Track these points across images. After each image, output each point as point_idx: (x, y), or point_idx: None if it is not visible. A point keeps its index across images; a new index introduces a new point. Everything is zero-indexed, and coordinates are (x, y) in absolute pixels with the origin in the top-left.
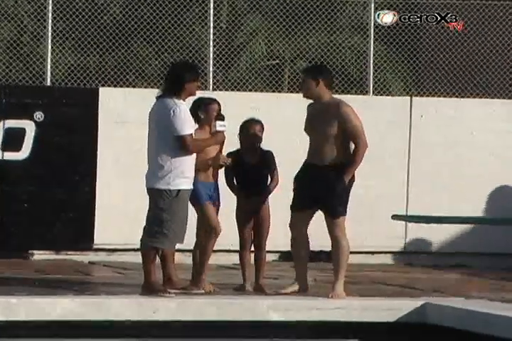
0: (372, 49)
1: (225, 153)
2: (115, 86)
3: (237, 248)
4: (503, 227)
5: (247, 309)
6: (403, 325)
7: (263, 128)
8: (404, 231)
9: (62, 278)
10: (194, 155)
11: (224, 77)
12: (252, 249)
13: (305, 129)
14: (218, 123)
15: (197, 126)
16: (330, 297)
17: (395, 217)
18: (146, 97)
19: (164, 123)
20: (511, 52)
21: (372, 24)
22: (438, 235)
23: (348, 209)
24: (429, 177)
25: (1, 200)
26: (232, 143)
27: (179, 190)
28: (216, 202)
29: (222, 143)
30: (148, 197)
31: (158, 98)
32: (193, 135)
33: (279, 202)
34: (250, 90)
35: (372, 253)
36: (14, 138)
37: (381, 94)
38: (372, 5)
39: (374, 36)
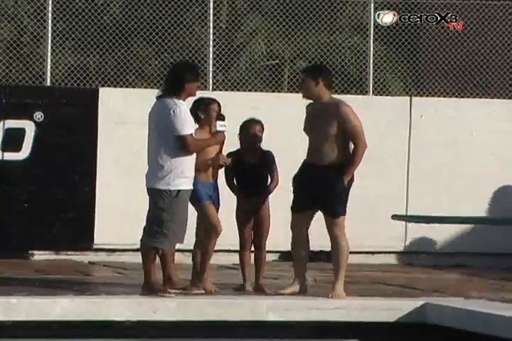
0: (371, 49)
1: (225, 153)
2: (115, 86)
3: (237, 248)
4: (503, 227)
5: (247, 309)
6: (403, 325)
7: (263, 128)
8: (404, 231)
9: (62, 278)
10: (194, 155)
11: (224, 77)
12: (252, 249)
13: (304, 129)
14: (219, 123)
15: (197, 126)
16: (330, 297)
17: (394, 217)
18: (146, 97)
19: (164, 123)
20: (511, 52)
21: (371, 24)
22: (438, 235)
23: (348, 209)
24: (429, 177)
25: (1, 200)
26: (232, 143)
27: (179, 190)
28: (216, 202)
29: (222, 143)
30: (148, 197)
31: (158, 98)
32: (193, 135)
33: (279, 202)
34: (250, 90)
35: (372, 253)
36: (14, 139)
37: (381, 94)
38: (372, 5)
39: (374, 36)
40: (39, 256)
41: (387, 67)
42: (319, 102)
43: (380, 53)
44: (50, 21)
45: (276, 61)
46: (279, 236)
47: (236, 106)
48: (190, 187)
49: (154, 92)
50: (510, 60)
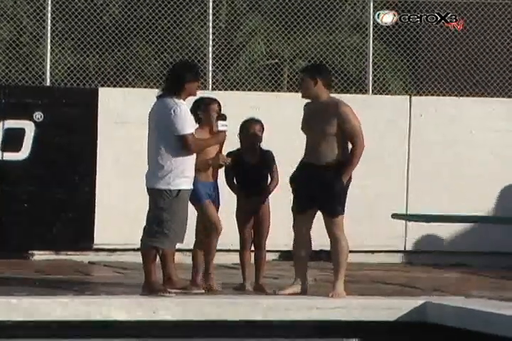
0: (371, 48)
1: (224, 152)
2: (115, 86)
3: (237, 247)
4: (502, 226)
5: (248, 308)
6: (403, 324)
7: (263, 128)
8: (404, 230)
9: (63, 278)
10: (194, 154)
11: (223, 76)
12: (252, 248)
13: (302, 128)
14: (220, 122)
15: (197, 125)
16: (330, 296)
17: (394, 215)
18: (146, 97)
19: (165, 123)
20: (510, 51)
21: (371, 23)
22: (438, 234)
23: (348, 208)
24: (429, 177)
25: (1, 200)
26: (232, 143)
27: (179, 190)
28: (216, 201)
29: (222, 143)
30: (148, 196)
31: (158, 98)
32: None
33: (279, 201)
34: (250, 90)
35: (373, 252)
36: (14, 139)
37: (380, 93)
38: (371, 4)
39: (373, 35)
40: (39, 256)
41: (386, 66)
42: (318, 102)
43: (380, 52)
44: (49, 21)
45: (276, 60)
46: (279, 236)
47: (236, 106)
48: (191, 186)
49: (154, 92)
50: (510, 59)
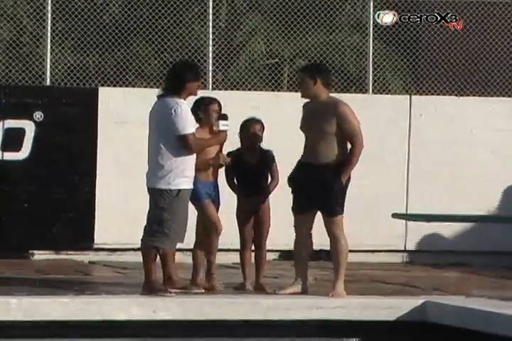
0: (371, 47)
1: (225, 152)
2: (115, 86)
3: (238, 247)
4: (503, 225)
5: (248, 308)
6: (403, 324)
7: (263, 128)
8: (404, 230)
9: (63, 278)
10: (194, 154)
11: (223, 76)
12: (253, 248)
13: (301, 128)
14: (221, 122)
15: (198, 125)
16: (330, 296)
17: (395, 215)
18: (146, 97)
19: (165, 122)
20: (510, 50)
21: (371, 23)
22: (438, 233)
23: (349, 207)
24: (429, 176)
25: (1, 200)
26: (232, 143)
27: (180, 190)
28: (216, 200)
29: (222, 143)
30: (148, 196)
31: (159, 97)
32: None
33: (279, 201)
34: (250, 89)
35: (373, 251)
36: (14, 138)
37: (380, 93)
38: (371, 3)
39: (373, 35)
40: (39, 256)
41: (386, 66)
42: (317, 101)
43: (380, 52)
44: (49, 21)
45: (276, 60)
46: (279, 236)
47: (236, 106)
48: (191, 186)
49: (154, 92)
50: (510, 58)
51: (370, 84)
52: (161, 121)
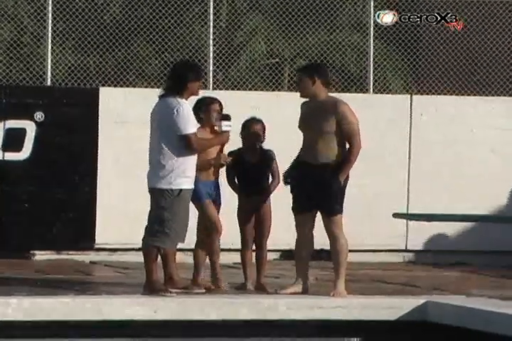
0: (372, 47)
1: (225, 151)
2: (115, 86)
3: (238, 247)
4: (503, 225)
5: (249, 308)
6: (404, 323)
7: (264, 128)
8: (405, 230)
9: (63, 278)
10: (196, 154)
11: (224, 76)
12: (253, 248)
13: (299, 127)
14: (224, 123)
15: (199, 125)
16: (331, 295)
17: (395, 215)
18: (147, 97)
19: (167, 122)
20: (511, 49)
21: (371, 22)
22: (438, 233)
23: (349, 207)
24: (430, 176)
25: (1, 200)
26: (232, 142)
27: (181, 190)
28: (217, 200)
29: (224, 143)
30: (148, 196)
31: (160, 97)
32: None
33: (280, 201)
34: (250, 89)
35: (373, 251)
36: (15, 139)
37: (381, 93)
38: (372, 3)
39: (374, 34)
40: (40, 256)
41: (387, 65)
42: (316, 100)
43: (380, 51)
44: (50, 21)
45: (277, 60)
46: (280, 235)
47: (236, 105)
48: (192, 186)
49: (155, 92)
50: (510, 58)
51: (371, 83)
52: (162, 120)
